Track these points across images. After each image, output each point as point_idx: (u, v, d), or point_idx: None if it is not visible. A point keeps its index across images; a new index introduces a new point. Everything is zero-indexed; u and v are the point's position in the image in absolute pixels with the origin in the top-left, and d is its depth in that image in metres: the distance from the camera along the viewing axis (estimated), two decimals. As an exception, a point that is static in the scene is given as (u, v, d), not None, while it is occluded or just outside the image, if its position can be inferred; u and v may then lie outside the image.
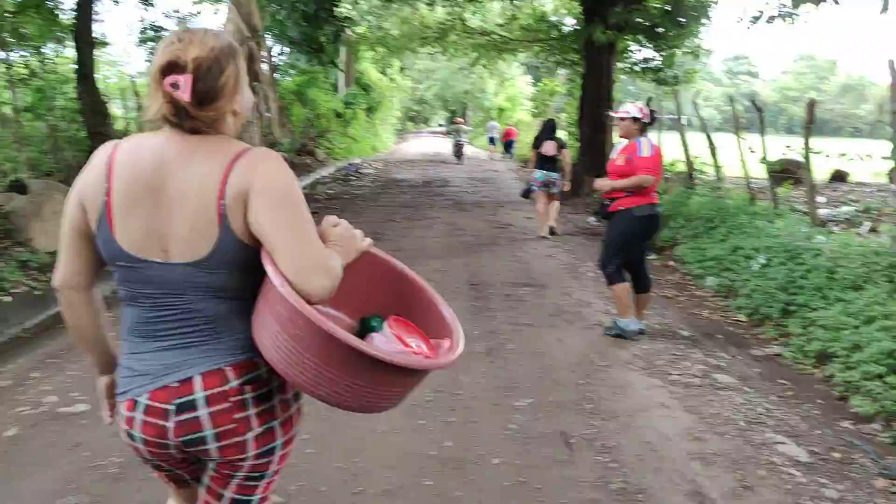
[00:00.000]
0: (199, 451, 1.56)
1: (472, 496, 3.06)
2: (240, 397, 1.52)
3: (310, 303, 1.41)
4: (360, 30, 25.52)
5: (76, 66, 9.23)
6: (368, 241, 1.68)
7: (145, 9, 13.19)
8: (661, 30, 15.65)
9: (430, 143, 37.08)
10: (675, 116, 12.34)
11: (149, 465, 1.68)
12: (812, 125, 7.55)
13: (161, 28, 14.46)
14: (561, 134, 11.09)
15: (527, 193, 10.36)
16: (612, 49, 15.37)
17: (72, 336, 1.72)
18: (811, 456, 3.52)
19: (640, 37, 16.01)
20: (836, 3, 10.14)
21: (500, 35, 22.40)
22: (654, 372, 4.62)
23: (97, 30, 12.61)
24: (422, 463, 3.32)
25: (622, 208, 5.22)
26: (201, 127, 1.50)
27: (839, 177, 15.25)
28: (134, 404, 1.54)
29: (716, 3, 14.73)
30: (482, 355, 4.81)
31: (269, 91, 21.04)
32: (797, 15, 13.41)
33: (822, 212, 8.94)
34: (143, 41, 15.23)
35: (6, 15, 9.29)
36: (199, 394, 1.50)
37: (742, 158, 8.70)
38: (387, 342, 1.63)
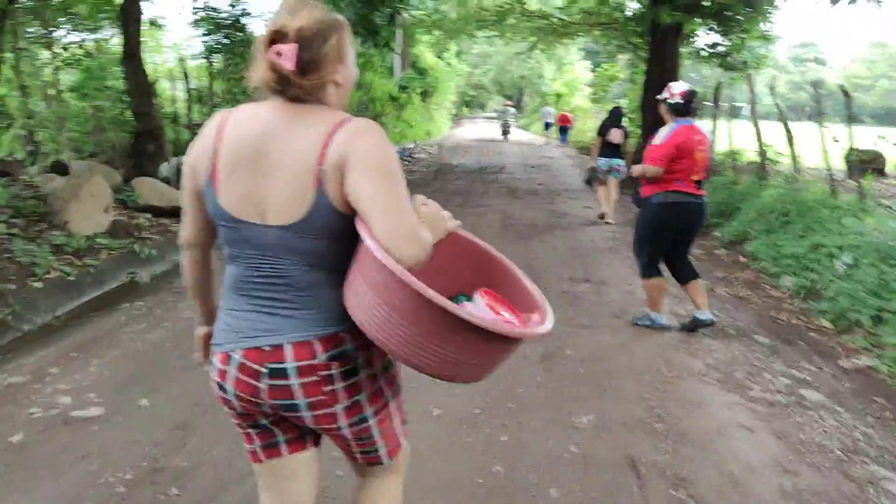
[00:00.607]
0: (295, 417, 1.63)
1: (525, 535, 2.62)
2: (327, 372, 1.56)
3: None
4: (416, 13, 25.09)
5: (122, 45, 9.00)
6: (456, 222, 1.71)
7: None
8: (729, 13, 14.85)
9: (486, 129, 36.50)
10: (741, 104, 11.64)
11: (238, 418, 1.72)
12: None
13: (215, 10, 14.28)
14: (625, 122, 10.72)
15: (590, 181, 9.92)
16: (679, 32, 14.64)
17: (188, 289, 1.84)
18: (927, 498, 2.98)
19: (707, 20, 15.21)
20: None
21: (560, 19, 21.74)
22: (732, 386, 4.10)
23: (151, 12, 12.49)
24: (467, 491, 2.90)
25: (644, 196, 4.95)
26: (303, 95, 1.54)
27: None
28: (227, 358, 1.61)
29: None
30: (537, 361, 4.36)
31: (322, 74, 20.81)
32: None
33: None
34: (197, 23, 15.09)
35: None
36: (290, 364, 1.55)
37: (824, 148, 7.99)
38: (479, 311, 1.63)
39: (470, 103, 65.00)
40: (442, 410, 3.61)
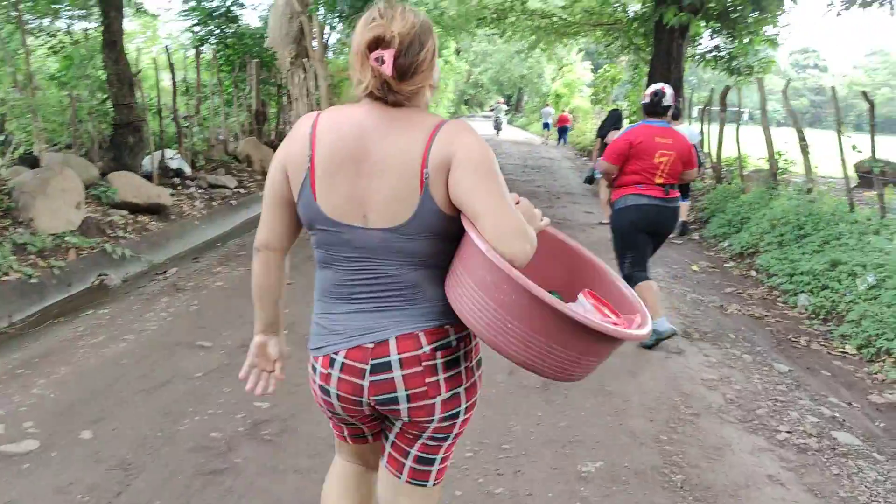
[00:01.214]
0: (390, 411, 1.63)
1: None
2: (431, 362, 1.58)
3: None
4: (415, 8, 24.60)
5: (102, 33, 8.51)
6: (546, 219, 1.72)
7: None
8: (734, 15, 14.44)
9: (483, 127, 35.98)
10: (742, 109, 11.20)
11: (335, 419, 1.76)
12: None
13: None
14: (625, 123, 10.28)
15: (590, 180, 9.51)
16: (685, 33, 14.21)
17: (255, 292, 1.77)
18: None
19: (713, 22, 14.80)
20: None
21: (561, 18, 21.31)
22: (757, 426, 3.65)
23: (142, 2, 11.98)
24: (455, 562, 2.44)
25: (612, 202, 4.93)
26: (402, 100, 1.55)
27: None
28: (330, 362, 1.62)
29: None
30: (537, 391, 3.90)
31: (318, 68, 20.34)
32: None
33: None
34: (186, 13, 14.61)
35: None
36: (394, 356, 1.56)
37: (842, 158, 7.54)
38: (586, 311, 1.62)
39: (469, 102, 64.51)
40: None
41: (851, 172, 9.79)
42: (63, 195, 6.38)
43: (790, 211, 7.87)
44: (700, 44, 16.63)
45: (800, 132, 8.25)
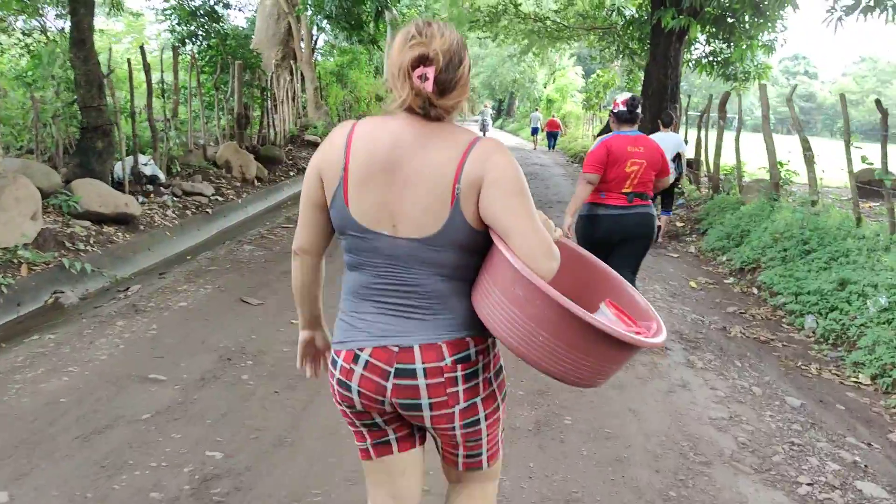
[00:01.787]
0: (413, 417, 1.69)
1: None
2: (452, 374, 1.63)
3: None
4: (406, 11, 24.22)
5: (70, 31, 8.04)
6: (559, 230, 1.78)
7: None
8: (731, 19, 14.13)
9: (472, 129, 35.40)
10: (740, 116, 10.83)
11: (353, 416, 1.77)
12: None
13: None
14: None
15: None
16: (682, 37, 13.87)
17: (295, 294, 1.86)
18: None
19: (711, 27, 14.48)
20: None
21: (555, 22, 20.99)
22: (775, 477, 3.23)
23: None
24: None
25: None
26: (443, 114, 1.61)
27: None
28: (354, 358, 1.67)
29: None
30: (529, 435, 3.47)
31: (306, 70, 19.90)
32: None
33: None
34: (167, 11, 14.15)
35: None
36: (419, 365, 1.62)
37: (850, 170, 7.17)
38: (610, 322, 1.65)
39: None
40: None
41: (845, 181, 9.43)
42: (17, 205, 5.92)
43: (794, 224, 7.48)
44: (697, 48, 16.33)
45: (804, 141, 7.87)
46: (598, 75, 25.86)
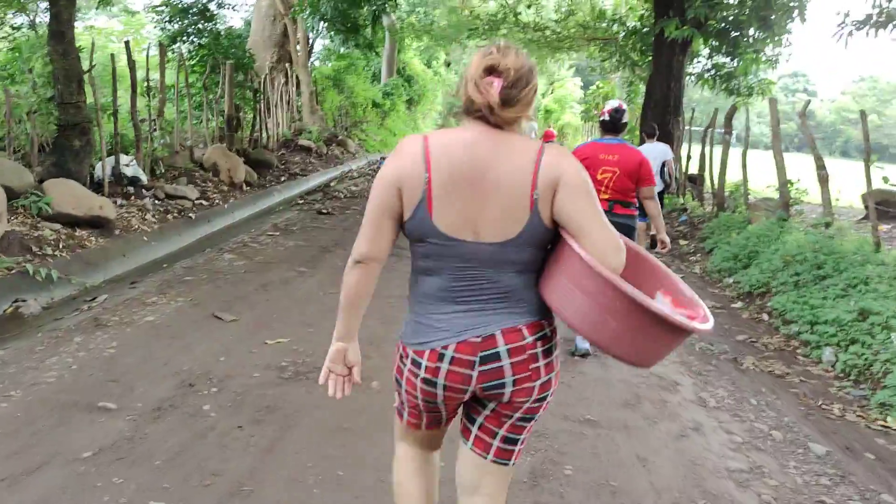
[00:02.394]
0: (493, 395, 1.82)
1: None
2: (533, 350, 1.80)
3: None
4: (406, 17, 23.89)
5: (49, 23, 7.61)
6: None
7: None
8: (735, 33, 13.81)
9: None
10: (747, 132, 10.47)
11: (422, 409, 1.92)
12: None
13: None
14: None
15: None
16: (685, 49, 13.54)
17: (346, 301, 1.88)
18: None
19: (714, 40, 14.15)
20: None
21: (555, 31, 20.68)
22: (807, 548, 2.81)
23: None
24: None
25: None
26: (502, 123, 1.76)
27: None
28: (439, 356, 1.79)
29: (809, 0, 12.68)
30: (524, 487, 3.03)
31: (301, 74, 19.49)
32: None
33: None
34: (158, 8, 13.76)
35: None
36: (502, 347, 1.77)
37: (869, 190, 6.78)
38: (671, 309, 1.83)
39: (458, 115, 63.89)
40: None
41: (858, 204, 9.05)
42: (-25, 208, 5.49)
43: (806, 247, 7.07)
44: (699, 61, 16.00)
45: (818, 159, 7.48)
46: (597, 87, 25.55)
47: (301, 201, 11.32)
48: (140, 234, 7.27)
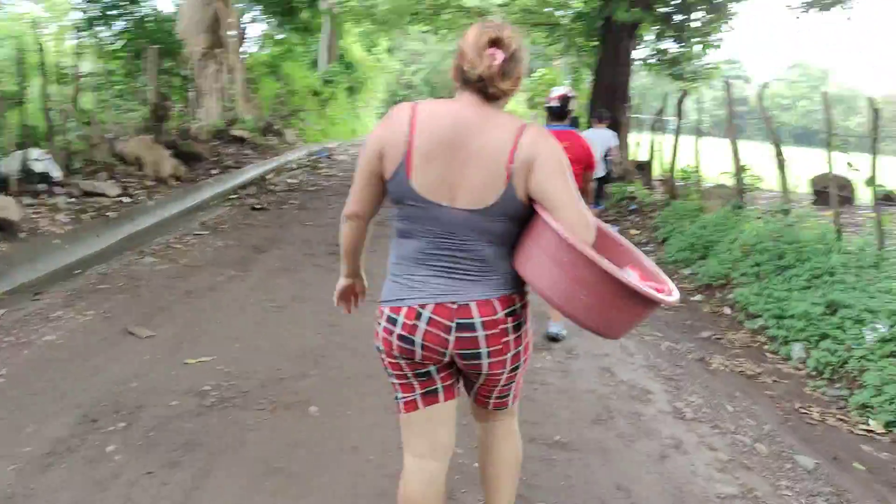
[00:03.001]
0: (472, 366, 1.95)
1: None
2: (504, 325, 1.90)
3: None
4: (345, 1, 23.13)
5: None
6: None
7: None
8: (682, 17, 13.65)
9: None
10: (700, 119, 10.25)
11: (410, 367, 1.98)
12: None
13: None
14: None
15: None
16: (632, 33, 13.29)
17: (344, 252, 2.16)
18: None
19: (660, 25, 13.96)
20: None
21: (500, 17, 20.29)
22: None
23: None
24: None
25: None
26: (498, 95, 1.85)
27: (889, 198, 12.97)
28: (417, 315, 1.88)
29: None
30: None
31: (234, 61, 18.62)
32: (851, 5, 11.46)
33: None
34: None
35: None
36: (477, 319, 1.87)
37: (831, 175, 6.51)
38: (640, 281, 1.88)
39: (399, 103, 63.27)
40: None
41: (802, 188, 8.87)
42: None
43: (766, 236, 6.81)
44: (644, 46, 15.80)
45: (776, 146, 7.21)
46: (541, 74, 25.26)
47: (234, 196, 10.62)
48: (49, 238, 6.54)
